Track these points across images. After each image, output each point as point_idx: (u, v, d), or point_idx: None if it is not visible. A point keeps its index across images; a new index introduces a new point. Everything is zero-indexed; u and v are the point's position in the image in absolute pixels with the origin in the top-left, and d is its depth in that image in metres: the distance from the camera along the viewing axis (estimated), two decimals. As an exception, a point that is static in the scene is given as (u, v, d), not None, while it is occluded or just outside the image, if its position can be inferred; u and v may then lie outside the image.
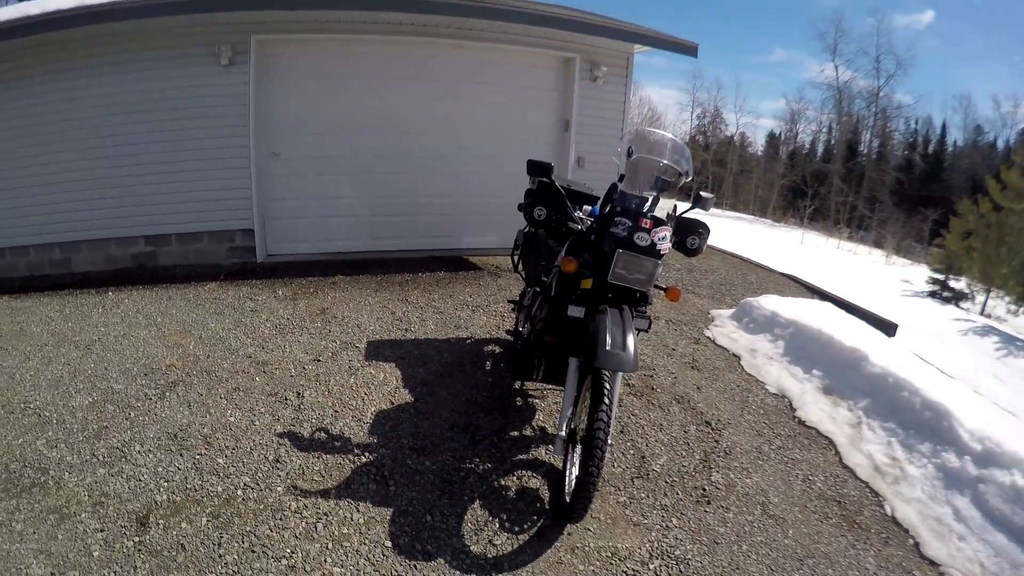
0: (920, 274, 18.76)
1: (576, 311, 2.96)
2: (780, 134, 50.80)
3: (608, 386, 2.63)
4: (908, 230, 30.50)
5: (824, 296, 8.04)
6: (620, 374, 2.84)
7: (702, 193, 3.23)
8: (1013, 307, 16.59)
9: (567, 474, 2.85)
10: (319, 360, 4.05)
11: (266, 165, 6.03)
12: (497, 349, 4.41)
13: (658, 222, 2.93)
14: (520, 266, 4.17)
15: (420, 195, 6.59)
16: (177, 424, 3.27)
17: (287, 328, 4.54)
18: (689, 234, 3.20)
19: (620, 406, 3.81)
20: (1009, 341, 13.03)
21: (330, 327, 4.57)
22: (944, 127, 50.81)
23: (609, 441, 2.59)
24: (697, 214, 3.21)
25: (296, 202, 6.25)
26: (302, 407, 3.48)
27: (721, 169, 43.67)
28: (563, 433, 2.79)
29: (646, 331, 3.13)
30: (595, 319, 2.80)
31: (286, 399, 3.56)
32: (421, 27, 6.11)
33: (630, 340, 2.71)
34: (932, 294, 17.57)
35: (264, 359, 4.04)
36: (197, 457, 3.01)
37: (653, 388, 4.19)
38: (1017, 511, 3.31)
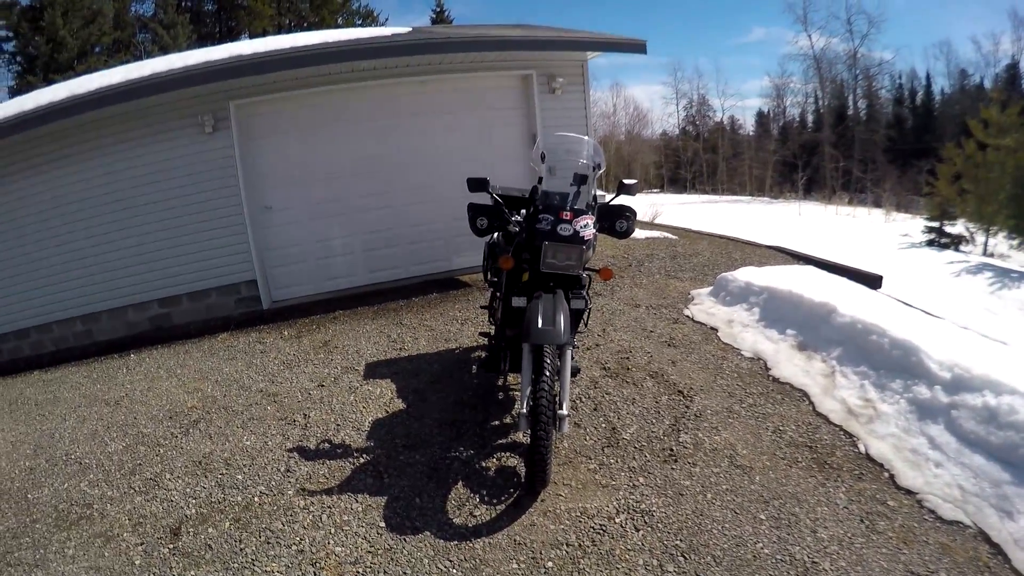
0: (919, 226, 18.77)
1: (519, 301, 3.26)
2: (769, 112, 50.90)
3: (548, 360, 2.89)
4: (905, 185, 30.30)
5: (809, 261, 8.11)
6: (568, 351, 3.09)
7: (624, 181, 3.55)
8: (1013, 242, 16.34)
9: None
10: (323, 385, 4.46)
11: (260, 219, 6.52)
12: (483, 354, 4.77)
13: (579, 212, 3.23)
14: (488, 275, 4.51)
15: (409, 226, 7.01)
16: (201, 453, 3.70)
17: (293, 363, 4.97)
18: (617, 219, 3.51)
19: (596, 387, 4.11)
20: (1003, 275, 13.03)
21: (332, 356, 4.99)
22: (928, 77, 50.14)
23: (566, 412, 2.86)
24: (625, 199, 3.53)
25: (293, 249, 6.72)
26: (308, 425, 3.88)
27: (714, 155, 43.86)
28: (524, 410, 2.94)
29: (585, 310, 3.37)
30: (530, 305, 3.11)
31: (294, 421, 3.97)
32: (390, 69, 6.57)
33: (559, 318, 2.99)
34: (929, 242, 17.65)
35: (274, 391, 4.46)
36: (219, 476, 3.43)
37: (628, 368, 4.43)
38: (992, 431, 3.28)
